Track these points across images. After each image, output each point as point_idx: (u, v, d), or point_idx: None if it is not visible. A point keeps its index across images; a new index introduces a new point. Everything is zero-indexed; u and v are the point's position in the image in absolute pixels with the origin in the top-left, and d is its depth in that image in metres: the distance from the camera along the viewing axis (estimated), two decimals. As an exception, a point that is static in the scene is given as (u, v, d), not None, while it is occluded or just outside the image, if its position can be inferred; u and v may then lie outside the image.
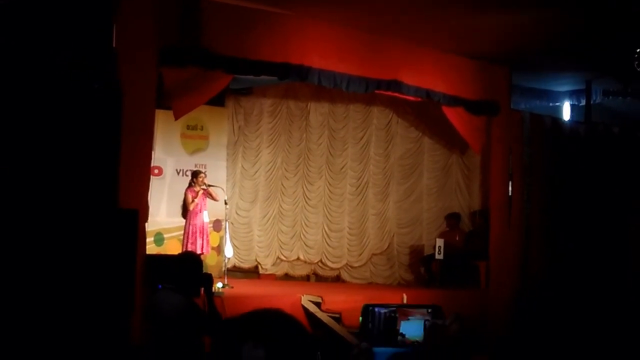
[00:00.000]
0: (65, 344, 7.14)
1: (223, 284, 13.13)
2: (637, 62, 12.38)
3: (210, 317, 7.40)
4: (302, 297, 12.61)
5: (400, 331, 8.72)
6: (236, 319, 2.63)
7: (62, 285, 7.09)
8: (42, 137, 7.43)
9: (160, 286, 7.85)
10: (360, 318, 9.36)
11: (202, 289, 7.70)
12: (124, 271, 7.51)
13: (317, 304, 12.59)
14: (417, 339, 8.54)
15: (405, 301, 13.25)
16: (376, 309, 8.46)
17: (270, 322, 2.59)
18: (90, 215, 7.45)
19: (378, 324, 8.58)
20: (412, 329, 8.80)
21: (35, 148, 7.38)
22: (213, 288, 8.02)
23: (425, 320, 8.49)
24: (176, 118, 12.42)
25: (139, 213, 8.76)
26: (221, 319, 7.48)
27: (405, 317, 8.71)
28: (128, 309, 7.73)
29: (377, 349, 4.92)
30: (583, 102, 16.38)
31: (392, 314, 8.56)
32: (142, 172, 9.79)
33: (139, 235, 8.88)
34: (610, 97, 14.97)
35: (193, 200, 14.08)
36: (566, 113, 17.09)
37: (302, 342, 2.53)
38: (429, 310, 8.26)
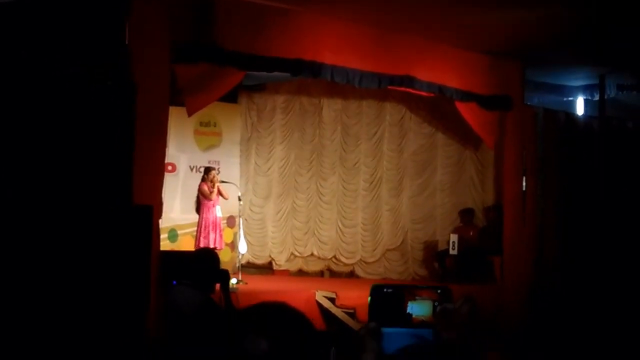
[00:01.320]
0: (81, 341, 7.17)
1: (237, 280, 13.19)
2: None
3: (227, 313, 7.40)
4: (317, 293, 12.63)
5: (408, 311, 8.70)
6: (240, 312, 2.66)
7: (77, 282, 7.12)
8: (56, 135, 7.45)
9: (174, 282, 7.85)
10: (369, 298, 9.34)
11: (218, 285, 7.70)
12: (139, 267, 7.52)
13: (332, 300, 12.61)
14: (425, 318, 8.53)
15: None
16: (384, 289, 8.43)
17: (273, 315, 2.61)
18: (105, 212, 7.47)
19: (386, 304, 8.54)
20: (419, 309, 8.78)
21: (50, 146, 7.40)
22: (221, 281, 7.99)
23: (434, 302, 8.48)
24: (189, 115, 12.43)
25: (153, 209, 8.79)
26: (237, 314, 7.48)
27: (413, 297, 8.68)
28: (143, 305, 7.75)
29: (385, 329, 4.91)
30: (597, 97, 16.30)
31: (400, 294, 8.53)
32: (156, 169, 9.80)
33: (154, 231, 8.91)
34: (625, 91, 14.92)
35: (211, 192, 14.09)
36: (580, 108, 17.04)
37: (306, 335, 2.55)
38: (438, 291, 8.22)
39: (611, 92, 16.02)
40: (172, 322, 7.23)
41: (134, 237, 7.62)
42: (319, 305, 12.50)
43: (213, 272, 7.50)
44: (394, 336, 5.73)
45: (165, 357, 6.66)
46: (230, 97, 15.46)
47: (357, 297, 12.72)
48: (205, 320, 7.05)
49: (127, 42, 8.98)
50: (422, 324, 8.46)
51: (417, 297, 8.72)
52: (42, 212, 7.16)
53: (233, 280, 12.54)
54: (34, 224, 7.10)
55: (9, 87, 7.47)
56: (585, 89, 16.92)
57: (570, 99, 17.14)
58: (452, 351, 4.07)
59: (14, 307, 7.12)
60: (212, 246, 13.60)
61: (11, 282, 7.18)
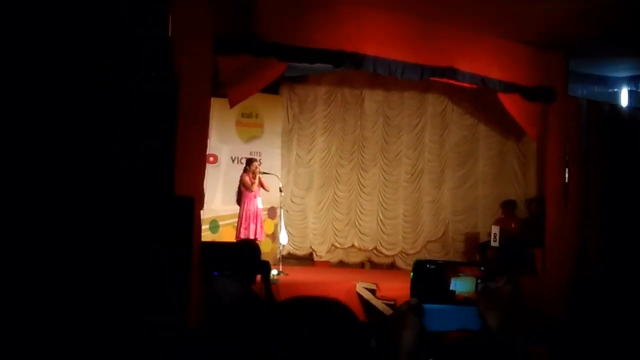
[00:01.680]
0: (123, 330, 7.23)
1: (278, 271, 13.21)
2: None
3: (268, 305, 7.42)
4: (357, 285, 12.62)
5: (451, 288, 8.64)
6: (281, 304, 2.66)
7: (121, 272, 7.17)
8: (101, 127, 7.51)
9: (215, 273, 7.88)
10: (412, 274, 9.28)
11: (260, 276, 7.72)
12: (181, 258, 7.57)
13: (372, 291, 12.58)
14: (467, 295, 8.47)
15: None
16: (427, 265, 8.39)
17: (314, 306, 2.61)
18: (148, 203, 7.52)
19: (428, 280, 8.50)
20: (462, 285, 8.72)
21: (95, 137, 7.45)
22: (264, 273, 8.01)
23: (477, 279, 8.44)
24: (231, 106, 12.44)
25: (195, 200, 8.83)
26: (261, 302, 7.50)
27: (456, 273, 8.62)
28: (185, 296, 7.80)
29: (427, 305, 4.86)
30: (642, 88, 16.17)
31: (443, 270, 8.48)
32: (198, 160, 9.86)
33: (195, 222, 8.96)
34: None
35: (252, 183, 14.11)
36: (624, 99, 16.88)
37: (349, 327, 2.54)
38: (482, 269, 8.17)
39: (657, 83, 15.88)
40: (213, 312, 7.27)
41: (176, 228, 7.68)
42: (360, 296, 12.48)
43: (254, 263, 7.53)
44: (436, 313, 5.68)
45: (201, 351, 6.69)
46: (272, 89, 15.47)
47: (398, 288, 12.68)
48: (246, 311, 7.08)
49: (169, 34, 9.04)
50: (465, 300, 8.40)
51: (460, 274, 8.67)
52: (87, 203, 7.22)
53: (274, 272, 12.55)
54: (79, 214, 7.16)
55: (57, 78, 7.54)
56: (629, 80, 16.73)
57: (615, 90, 16.96)
58: (498, 342, 4.03)
59: (60, 294, 7.19)
60: (252, 237, 13.63)
61: (58, 269, 7.24)
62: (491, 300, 4.47)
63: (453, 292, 8.91)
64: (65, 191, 7.13)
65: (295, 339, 2.42)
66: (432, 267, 8.65)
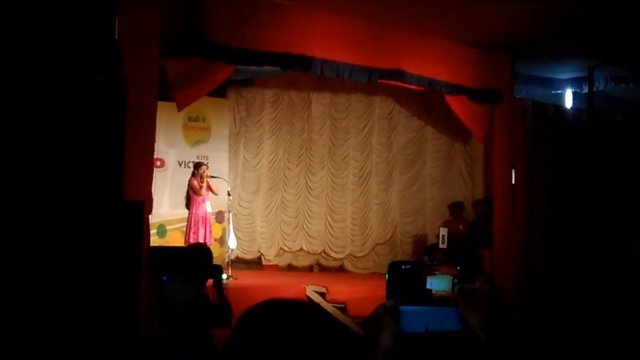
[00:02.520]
0: (71, 338, 7.12)
1: (227, 276, 13.13)
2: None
3: (221, 309, 7.37)
4: (307, 288, 12.55)
5: (427, 287, 8.61)
6: (255, 308, 2.58)
7: (67, 278, 7.06)
8: (47, 131, 7.39)
9: (165, 278, 7.81)
10: (387, 275, 9.24)
11: (211, 281, 7.67)
12: (130, 263, 7.47)
13: (322, 295, 12.54)
14: (444, 293, 8.46)
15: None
16: (402, 265, 8.37)
17: (290, 309, 2.54)
18: (96, 208, 7.42)
19: (404, 280, 8.47)
20: (439, 284, 8.71)
21: (40, 141, 7.34)
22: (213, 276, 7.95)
23: (453, 278, 8.43)
24: (179, 109, 12.39)
25: (144, 204, 8.74)
26: (231, 310, 7.44)
27: (432, 272, 8.61)
28: (134, 301, 7.70)
29: (403, 307, 4.79)
30: (585, 90, 16.29)
31: (419, 270, 8.45)
32: (146, 164, 9.78)
33: (144, 227, 8.88)
34: (619, 84, 14.92)
35: (201, 187, 14.02)
36: (568, 101, 17.03)
37: (325, 332, 2.47)
38: (458, 268, 8.16)
39: (600, 85, 16.01)
40: (164, 317, 7.20)
41: (125, 233, 7.57)
42: (309, 300, 12.42)
43: (206, 268, 7.48)
44: (414, 314, 5.63)
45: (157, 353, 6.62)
46: (219, 92, 15.40)
47: (348, 291, 12.69)
48: (199, 316, 7.02)
49: (116, 37, 8.93)
50: (442, 299, 8.38)
51: (436, 272, 8.65)
52: (31, 208, 7.10)
53: (223, 276, 12.48)
54: (24, 220, 7.04)
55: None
56: (573, 82, 16.90)
57: (559, 92, 17.11)
58: (482, 343, 3.98)
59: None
60: (202, 241, 13.56)
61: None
62: (471, 300, 4.42)
63: (429, 291, 8.89)
64: (10, 197, 7.01)
65: (271, 343, 2.35)
66: (408, 267, 8.63)
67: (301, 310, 2.54)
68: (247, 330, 2.49)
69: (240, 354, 2.42)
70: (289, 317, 2.50)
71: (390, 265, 8.93)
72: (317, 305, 2.62)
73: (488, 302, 4.71)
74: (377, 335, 3.75)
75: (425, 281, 8.74)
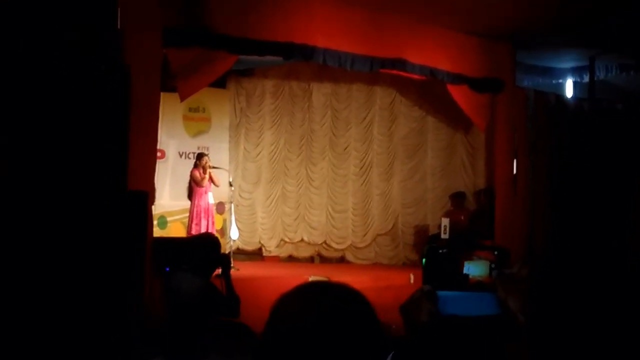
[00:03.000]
0: (77, 331, 7.07)
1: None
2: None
3: (229, 298, 7.34)
4: (310, 278, 12.53)
5: (464, 272, 8.51)
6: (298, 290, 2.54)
7: (72, 270, 7.01)
8: (51, 122, 7.34)
9: (167, 269, 7.76)
10: (423, 260, 9.16)
11: (219, 270, 7.64)
12: (136, 255, 7.43)
13: (325, 285, 12.49)
14: (481, 278, 8.38)
15: (412, 281, 13.25)
16: (439, 250, 8.28)
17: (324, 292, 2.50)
18: (101, 198, 7.37)
19: (440, 265, 8.37)
20: (476, 269, 8.62)
21: (43, 133, 7.28)
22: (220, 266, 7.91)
23: (490, 263, 8.36)
24: (182, 99, 12.35)
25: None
26: (239, 299, 7.41)
27: (469, 257, 8.52)
28: (140, 293, 7.67)
29: (441, 292, 4.71)
30: (586, 79, 16.26)
31: (456, 254, 8.34)
32: (149, 154, 9.74)
33: (148, 217, 8.84)
34: (622, 72, 14.89)
35: (203, 178, 13.97)
36: (569, 90, 16.99)
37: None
38: (495, 252, 8.07)
39: (600, 74, 15.98)
40: (173, 308, 7.15)
41: (129, 224, 7.52)
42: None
43: (215, 257, 7.44)
44: (451, 299, 5.54)
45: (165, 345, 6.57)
46: (219, 82, 15.30)
47: (350, 282, 12.41)
48: (208, 306, 6.97)
49: (118, 27, 8.87)
50: (478, 284, 8.29)
51: (473, 257, 8.58)
52: (35, 200, 7.05)
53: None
54: (27, 211, 6.99)
55: None
56: (574, 71, 16.86)
57: (560, 81, 17.08)
58: (524, 326, 3.93)
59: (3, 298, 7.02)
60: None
61: (6, 267, 7.07)
62: (510, 285, 4.37)
63: (466, 276, 8.82)
64: (15, 189, 6.96)
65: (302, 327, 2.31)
66: (444, 251, 8.54)
67: (346, 293, 2.51)
68: (290, 312, 2.45)
69: (281, 334, 2.39)
70: (334, 298, 2.46)
71: (428, 249, 8.84)
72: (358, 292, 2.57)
73: (525, 287, 4.64)
74: (416, 318, 3.72)
75: (462, 266, 8.66)
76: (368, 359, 2.41)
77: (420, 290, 4.07)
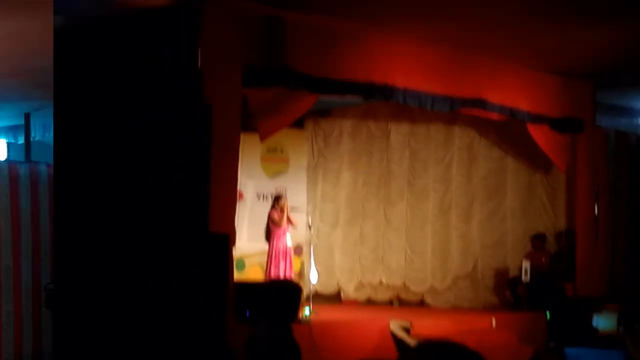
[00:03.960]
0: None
1: (310, 311, 12.86)
2: None
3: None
4: (391, 323, 12.32)
5: (594, 325, 8.23)
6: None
7: (161, 311, 6.96)
8: (137, 162, 7.34)
9: (247, 313, 7.62)
10: (547, 312, 8.89)
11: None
12: (219, 297, 7.35)
13: (406, 330, 12.28)
14: (610, 331, 8.12)
15: (494, 325, 13.02)
16: (566, 302, 8.08)
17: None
18: (184, 240, 7.32)
19: (569, 317, 8.10)
20: (605, 322, 8.37)
21: (131, 173, 7.28)
22: (300, 314, 7.70)
23: (618, 315, 8.12)
24: (262, 140, 12.31)
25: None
26: (299, 348, 7.08)
27: (599, 309, 8.28)
28: (223, 335, 7.57)
29: (567, 349, 4.48)
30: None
31: (586, 305, 8.08)
32: (230, 195, 9.67)
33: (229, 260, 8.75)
34: None
35: (281, 219, 13.80)
36: (650, 130, 16.71)
37: None
38: (624, 304, 7.87)
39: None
40: (253, 356, 6.97)
41: (212, 267, 7.45)
42: (393, 335, 12.18)
43: (296, 307, 7.22)
44: (579, 357, 5.28)
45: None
46: (297, 123, 15.22)
47: (432, 326, 12.44)
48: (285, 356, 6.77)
49: (199, 66, 8.88)
50: (608, 338, 8.01)
51: (603, 309, 8.32)
52: (125, 240, 7.03)
53: (306, 311, 12.28)
54: (117, 251, 6.98)
55: (88, 116, 7.38)
56: (655, 112, 16.60)
57: (640, 121, 16.81)
58: None
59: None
60: (282, 275, 13.38)
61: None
62: (639, 340, 4.20)
63: (596, 329, 8.55)
64: (103, 227, 6.95)
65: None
66: (573, 303, 8.30)
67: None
68: None
69: None
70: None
71: (553, 302, 8.60)
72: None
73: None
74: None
75: (592, 319, 8.37)
76: None
77: (545, 347, 3.92)
